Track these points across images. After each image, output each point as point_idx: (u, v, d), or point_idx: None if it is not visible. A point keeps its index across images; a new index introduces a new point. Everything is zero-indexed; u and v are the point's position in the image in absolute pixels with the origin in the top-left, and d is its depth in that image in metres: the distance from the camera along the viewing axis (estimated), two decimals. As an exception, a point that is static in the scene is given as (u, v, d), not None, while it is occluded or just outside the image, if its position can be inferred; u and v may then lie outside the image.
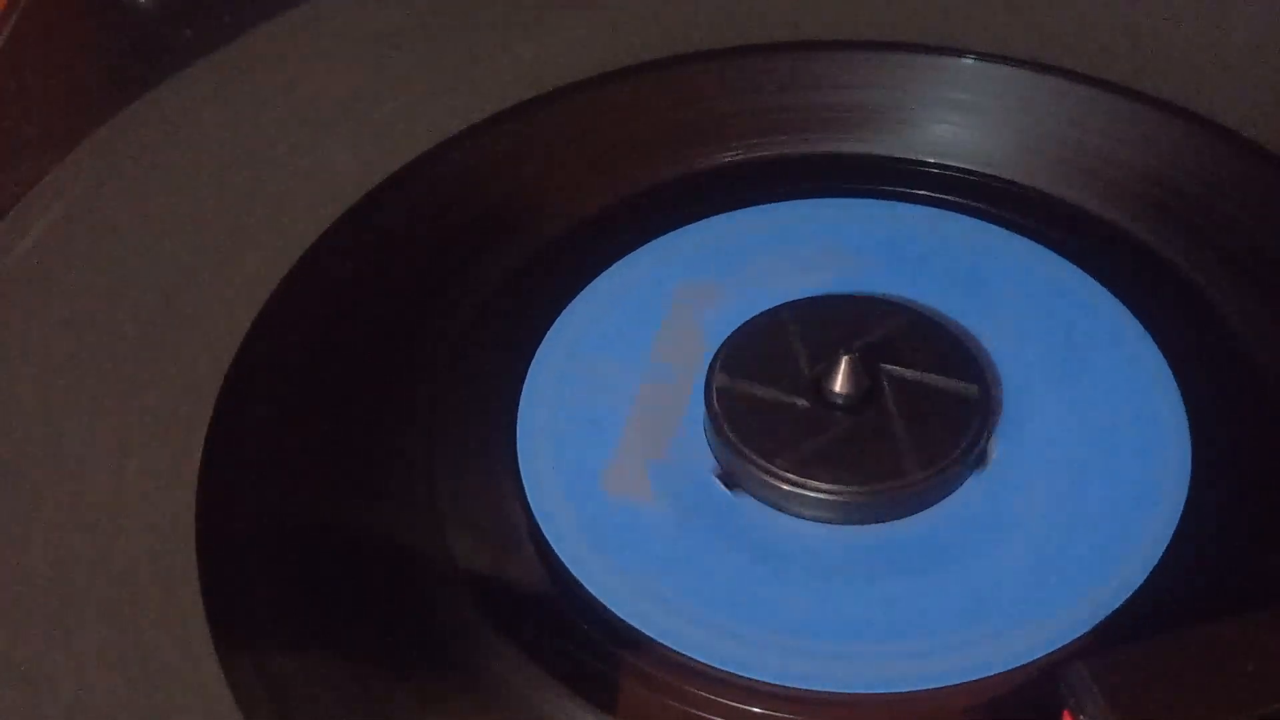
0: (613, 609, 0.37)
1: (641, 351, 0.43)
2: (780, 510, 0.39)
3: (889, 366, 0.40)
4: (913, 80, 0.50)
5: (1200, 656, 0.31)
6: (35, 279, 0.44)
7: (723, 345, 0.41)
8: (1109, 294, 0.44)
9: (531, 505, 0.39)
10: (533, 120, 0.49)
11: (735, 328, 0.42)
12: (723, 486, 0.39)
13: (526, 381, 0.42)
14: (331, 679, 0.35)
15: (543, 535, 0.38)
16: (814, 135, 0.49)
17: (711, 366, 0.41)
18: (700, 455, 0.40)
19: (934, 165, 0.48)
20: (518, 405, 0.41)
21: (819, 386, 0.40)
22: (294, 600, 0.37)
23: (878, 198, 0.47)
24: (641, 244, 0.46)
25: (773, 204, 0.47)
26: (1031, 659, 0.35)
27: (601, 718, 0.35)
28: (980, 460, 0.39)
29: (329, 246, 0.45)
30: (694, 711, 0.35)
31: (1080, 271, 0.44)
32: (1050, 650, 0.35)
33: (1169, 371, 0.41)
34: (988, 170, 0.48)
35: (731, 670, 0.35)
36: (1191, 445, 0.40)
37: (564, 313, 0.44)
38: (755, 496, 0.39)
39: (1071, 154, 0.48)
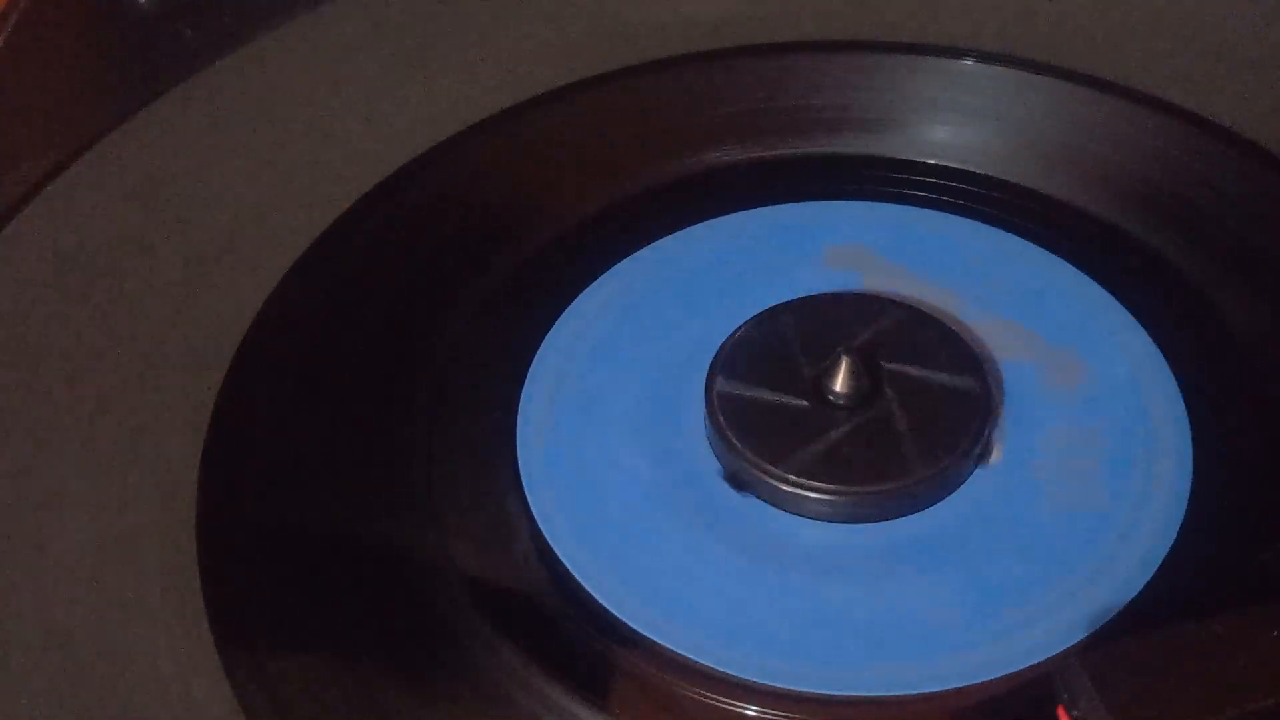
0: (612, 609, 0.37)
1: (641, 352, 0.43)
2: (781, 510, 0.39)
3: (890, 366, 0.40)
4: (913, 80, 0.50)
5: (1193, 653, 0.31)
6: (37, 279, 0.44)
7: (721, 347, 0.41)
8: (1109, 294, 0.44)
9: (531, 506, 0.39)
10: (533, 120, 0.49)
11: (735, 328, 0.42)
12: (730, 488, 0.39)
13: (526, 382, 0.42)
14: (331, 679, 0.35)
15: (542, 535, 0.38)
16: (814, 135, 0.49)
17: (712, 369, 0.41)
18: (701, 455, 0.40)
19: (934, 165, 0.48)
20: (518, 406, 0.41)
21: (819, 386, 0.40)
22: (294, 600, 0.37)
23: (878, 198, 0.47)
24: (641, 245, 0.46)
25: (773, 204, 0.47)
26: (1032, 662, 0.35)
27: (601, 717, 0.35)
28: (984, 456, 0.39)
29: (329, 246, 0.45)
30: (693, 711, 0.35)
31: (1080, 272, 0.44)
32: (1050, 654, 0.35)
33: (1169, 371, 0.41)
34: (988, 170, 0.48)
35: (731, 670, 0.35)
36: (1192, 445, 0.40)
37: (564, 313, 0.44)
38: (760, 497, 0.39)
39: (1071, 154, 0.48)
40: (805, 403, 0.40)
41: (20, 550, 0.37)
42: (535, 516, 0.39)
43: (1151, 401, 0.41)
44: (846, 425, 0.39)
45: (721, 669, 0.36)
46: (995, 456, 0.40)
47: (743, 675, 0.35)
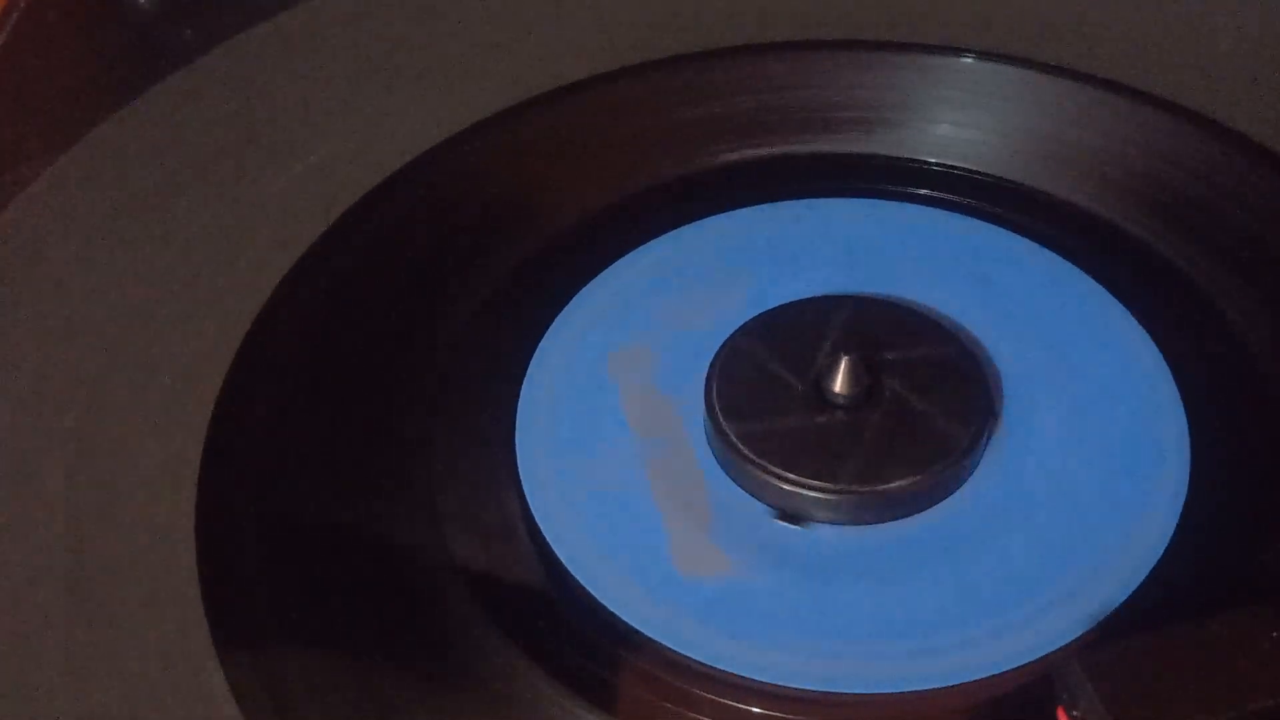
0: (611, 609, 0.37)
1: (640, 352, 0.43)
2: (780, 510, 0.39)
3: (891, 370, 0.40)
4: (913, 80, 0.50)
5: (1192, 653, 0.31)
6: (34, 278, 0.44)
7: (715, 358, 0.41)
8: (1109, 294, 0.44)
9: (530, 505, 0.39)
10: (533, 120, 0.49)
11: (728, 334, 0.42)
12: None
13: (525, 381, 0.42)
14: (331, 679, 0.35)
15: (541, 535, 0.38)
16: (814, 135, 0.49)
17: (709, 380, 0.40)
18: (701, 456, 0.40)
19: (934, 165, 0.48)
20: (517, 405, 0.42)
21: (817, 390, 0.40)
22: (294, 600, 0.37)
23: (878, 198, 0.47)
24: (641, 244, 0.46)
25: (773, 204, 0.47)
26: (1030, 659, 0.35)
27: (601, 717, 0.35)
28: (978, 458, 0.39)
29: (329, 246, 0.45)
30: (693, 711, 0.35)
31: (1080, 271, 0.44)
32: (1049, 651, 0.35)
33: (1169, 371, 0.41)
34: (988, 170, 0.48)
35: (731, 670, 0.35)
36: (1191, 445, 0.40)
37: (563, 313, 0.44)
38: (755, 496, 0.39)
39: (1071, 154, 0.48)
40: (806, 400, 0.40)
41: (20, 550, 0.37)
42: (535, 516, 0.39)
43: (1151, 401, 0.41)
44: (846, 425, 0.39)
45: (721, 667, 0.36)
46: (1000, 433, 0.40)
47: (743, 673, 0.35)
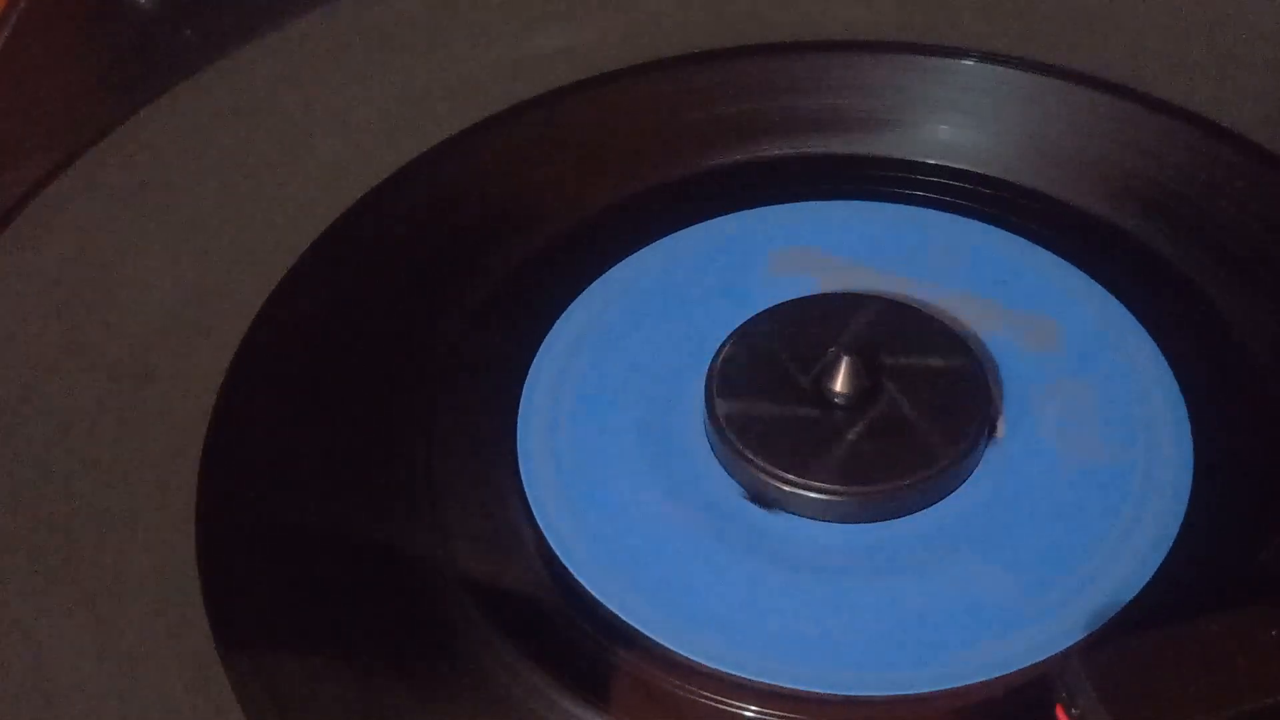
0: (613, 609, 0.37)
1: (642, 353, 0.43)
2: (781, 511, 0.39)
3: (890, 370, 0.40)
4: (913, 80, 0.50)
5: (1192, 652, 0.31)
6: (38, 279, 0.44)
7: (715, 358, 0.41)
8: (1109, 294, 0.44)
9: (532, 505, 0.39)
10: (533, 120, 0.49)
11: (727, 334, 0.42)
12: (758, 507, 0.39)
13: (527, 383, 0.42)
14: (331, 679, 0.35)
15: (543, 535, 0.38)
16: (814, 135, 0.49)
17: (709, 380, 0.40)
18: (702, 457, 0.40)
19: (934, 165, 0.48)
20: (518, 406, 0.41)
21: (818, 388, 0.40)
22: (294, 600, 0.37)
23: (878, 198, 0.47)
24: (641, 245, 0.46)
25: (773, 204, 0.47)
26: (1031, 662, 0.35)
27: (601, 718, 0.35)
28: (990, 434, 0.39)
29: (329, 246, 0.45)
30: (693, 711, 0.35)
31: (1080, 271, 0.44)
32: (1050, 654, 0.35)
33: (1169, 371, 0.41)
34: (988, 170, 0.48)
35: (731, 670, 0.35)
36: (1193, 445, 0.40)
37: (564, 314, 0.44)
38: (749, 494, 0.39)
39: (1071, 154, 0.48)
40: (801, 404, 0.40)
41: (20, 550, 0.37)
42: (535, 516, 0.39)
43: (1151, 401, 0.41)
44: (844, 425, 0.39)
45: (721, 668, 0.36)
46: (1000, 433, 0.40)
47: (742, 674, 0.35)
